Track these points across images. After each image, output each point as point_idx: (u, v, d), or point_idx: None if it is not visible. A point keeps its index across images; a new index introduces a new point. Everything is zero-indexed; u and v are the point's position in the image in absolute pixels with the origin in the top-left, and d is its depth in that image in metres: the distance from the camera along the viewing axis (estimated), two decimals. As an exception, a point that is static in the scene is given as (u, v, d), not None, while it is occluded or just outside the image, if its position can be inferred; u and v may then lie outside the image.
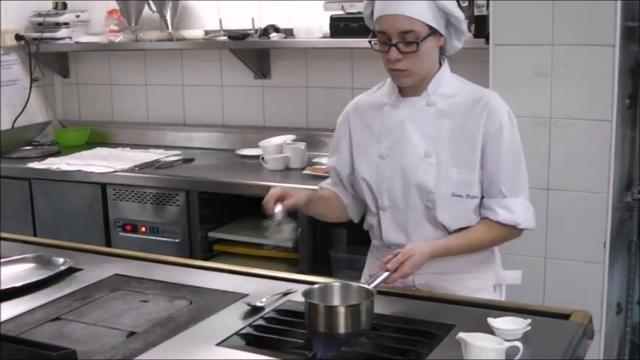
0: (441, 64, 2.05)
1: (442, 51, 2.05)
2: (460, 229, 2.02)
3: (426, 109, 2.02)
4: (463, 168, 1.99)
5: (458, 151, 1.99)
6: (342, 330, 1.64)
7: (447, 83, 2.04)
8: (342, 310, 1.66)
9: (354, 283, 1.80)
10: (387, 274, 1.87)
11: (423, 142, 2.01)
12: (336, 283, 1.78)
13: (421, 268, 1.93)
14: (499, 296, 2.12)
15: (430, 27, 1.93)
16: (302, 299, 1.71)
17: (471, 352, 1.52)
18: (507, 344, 1.54)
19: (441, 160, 1.99)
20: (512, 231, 2.02)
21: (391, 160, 2.04)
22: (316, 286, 1.76)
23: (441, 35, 1.98)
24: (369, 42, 2.00)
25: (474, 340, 1.53)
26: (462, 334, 1.55)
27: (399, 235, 2.05)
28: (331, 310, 1.67)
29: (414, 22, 1.91)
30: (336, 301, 1.75)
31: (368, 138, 2.10)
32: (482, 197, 2.03)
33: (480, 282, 2.07)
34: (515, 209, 2.00)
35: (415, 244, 1.94)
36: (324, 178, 3.18)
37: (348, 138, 2.15)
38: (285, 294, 1.92)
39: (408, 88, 2.04)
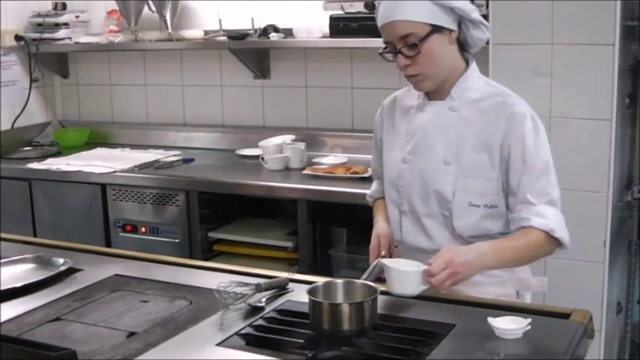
0: (468, 64, 1.98)
1: (466, 47, 1.98)
2: (488, 237, 1.93)
3: (449, 114, 1.97)
4: (481, 177, 1.93)
5: (477, 160, 1.93)
6: (346, 327, 1.64)
7: (474, 86, 1.98)
8: (346, 307, 1.66)
9: (358, 281, 1.80)
10: (377, 261, 1.98)
11: (444, 148, 1.96)
12: (339, 281, 1.78)
13: None
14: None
15: (432, 25, 1.87)
16: (302, 299, 1.70)
17: (390, 276, 1.74)
18: (424, 267, 1.70)
19: (460, 169, 1.94)
20: (549, 240, 1.89)
21: (412, 164, 1.99)
22: (320, 283, 1.76)
23: (450, 30, 1.91)
24: (380, 54, 1.95)
25: (395, 265, 1.76)
26: (384, 260, 1.81)
27: (420, 238, 2.01)
28: (335, 308, 1.67)
29: (411, 25, 1.87)
30: (339, 298, 1.75)
31: (394, 139, 2.07)
32: (513, 211, 1.93)
33: (503, 289, 2.00)
34: (548, 214, 1.88)
35: (466, 263, 1.79)
36: (323, 178, 3.20)
37: (380, 135, 2.15)
38: (286, 294, 1.92)
39: (432, 91, 1.99)
